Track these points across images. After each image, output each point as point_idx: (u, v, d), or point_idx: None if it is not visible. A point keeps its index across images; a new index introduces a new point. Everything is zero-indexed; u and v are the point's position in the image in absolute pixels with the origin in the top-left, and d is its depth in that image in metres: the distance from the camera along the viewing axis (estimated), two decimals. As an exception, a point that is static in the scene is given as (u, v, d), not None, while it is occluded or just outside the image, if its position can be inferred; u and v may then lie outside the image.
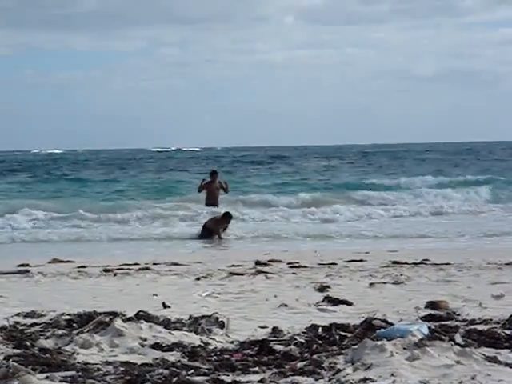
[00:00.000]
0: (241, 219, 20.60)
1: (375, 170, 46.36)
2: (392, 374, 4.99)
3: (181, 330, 6.51)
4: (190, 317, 6.99)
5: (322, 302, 8.13)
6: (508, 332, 6.25)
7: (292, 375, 5.19)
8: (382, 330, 6.15)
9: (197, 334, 6.36)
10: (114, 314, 6.97)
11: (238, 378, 5.18)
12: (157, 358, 5.69)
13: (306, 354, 5.70)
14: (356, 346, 5.63)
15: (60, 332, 6.37)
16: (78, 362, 5.58)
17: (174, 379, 5.09)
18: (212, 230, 17.84)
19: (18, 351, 5.76)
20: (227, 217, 18.09)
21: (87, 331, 6.31)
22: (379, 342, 5.52)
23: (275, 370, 5.34)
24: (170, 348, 5.96)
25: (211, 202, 20.51)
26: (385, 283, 9.42)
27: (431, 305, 7.65)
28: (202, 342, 6.17)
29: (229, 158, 65.56)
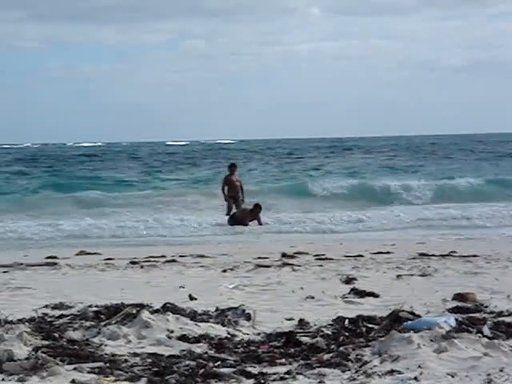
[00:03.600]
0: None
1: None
2: (419, 366, 4.98)
3: (207, 321, 6.52)
4: (217, 309, 7.00)
5: (349, 294, 8.11)
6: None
7: (319, 367, 5.18)
8: (409, 322, 6.13)
9: (223, 326, 6.37)
10: (141, 306, 7.00)
11: (264, 370, 5.18)
12: (184, 350, 5.71)
13: (333, 346, 5.69)
14: (383, 338, 5.62)
15: (88, 324, 6.41)
16: (106, 354, 5.61)
17: (201, 371, 5.10)
18: (240, 220, 18.71)
19: (46, 342, 5.79)
20: (257, 208, 18.97)
21: (115, 323, 6.34)
22: (406, 334, 5.51)
23: (302, 362, 5.35)
24: (197, 340, 5.97)
25: (232, 194, 20.52)
26: (412, 275, 9.38)
27: (459, 297, 7.61)
28: (228, 333, 6.18)
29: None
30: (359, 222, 19.37)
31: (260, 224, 19.10)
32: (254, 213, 19.31)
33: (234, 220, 19.16)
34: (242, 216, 19.20)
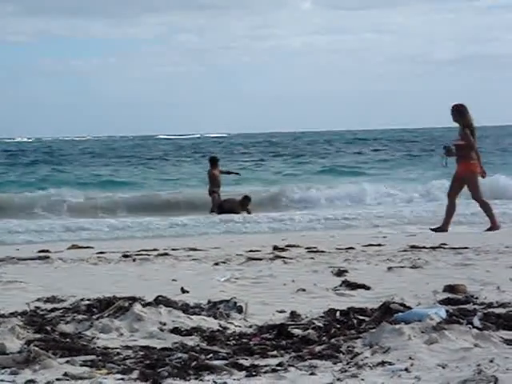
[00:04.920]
0: None
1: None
2: (410, 358, 5.01)
3: (199, 314, 6.55)
4: (209, 301, 7.03)
5: (340, 286, 8.14)
6: (526, 315, 6.24)
7: (310, 359, 5.21)
8: (400, 313, 6.16)
9: (215, 319, 6.39)
10: (134, 299, 7.01)
11: (256, 362, 5.21)
12: (176, 343, 5.73)
13: (324, 338, 5.72)
14: (374, 330, 5.65)
15: (80, 317, 6.43)
16: (98, 347, 5.63)
17: (193, 363, 5.12)
18: (229, 210, 18.96)
19: (38, 336, 5.81)
20: (246, 200, 19.27)
21: (107, 316, 6.36)
22: (397, 326, 5.54)
23: (293, 354, 5.37)
24: (189, 332, 6.00)
25: (214, 189, 20.54)
26: (403, 267, 9.42)
27: (449, 288, 7.65)
28: (220, 326, 6.20)
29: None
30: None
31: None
32: (244, 204, 19.54)
33: (223, 209, 19.32)
34: (230, 206, 19.37)
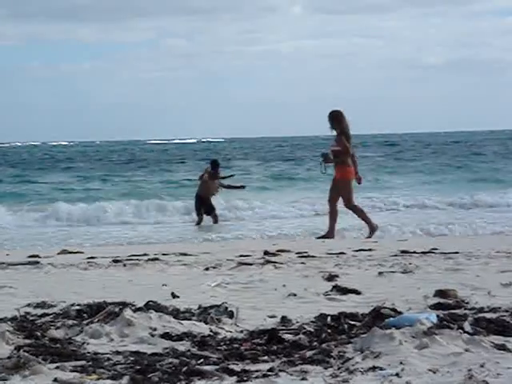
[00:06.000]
0: None
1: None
2: (401, 363, 5.01)
3: (190, 319, 6.53)
4: (199, 306, 7.02)
5: (331, 291, 8.14)
6: (517, 320, 6.25)
7: (301, 364, 5.20)
8: (391, 318, 6.16)
9: (206, 324, 6.38)
10: (124, 305, 7.00)
11: (247, 367, 5.19)
12: (166, 348, 5.72)
13: (315, 343, 5.71)
14: (365, 335, 5.65)
15: (70, 322, 6.40)
16: (88, 352, 5.61)
17: (184, 368, 5.11)
18: (205, 197, 18.96)
19: (28, 341, 5.78)
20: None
21: (97, 321, 6.34)
22: (388, 331, 5.54)
23: (284, 359, 5.36)
24: (180, 337, 5.98)
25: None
26: (393, 272, 9.43)
27: (440, 293, 7.65)
28: (211, 331, 6.19)
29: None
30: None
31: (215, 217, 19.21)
32: (213, 184, 19.52)
33: (200, 199, 19.33)
34: (207, 192, 19.41)
